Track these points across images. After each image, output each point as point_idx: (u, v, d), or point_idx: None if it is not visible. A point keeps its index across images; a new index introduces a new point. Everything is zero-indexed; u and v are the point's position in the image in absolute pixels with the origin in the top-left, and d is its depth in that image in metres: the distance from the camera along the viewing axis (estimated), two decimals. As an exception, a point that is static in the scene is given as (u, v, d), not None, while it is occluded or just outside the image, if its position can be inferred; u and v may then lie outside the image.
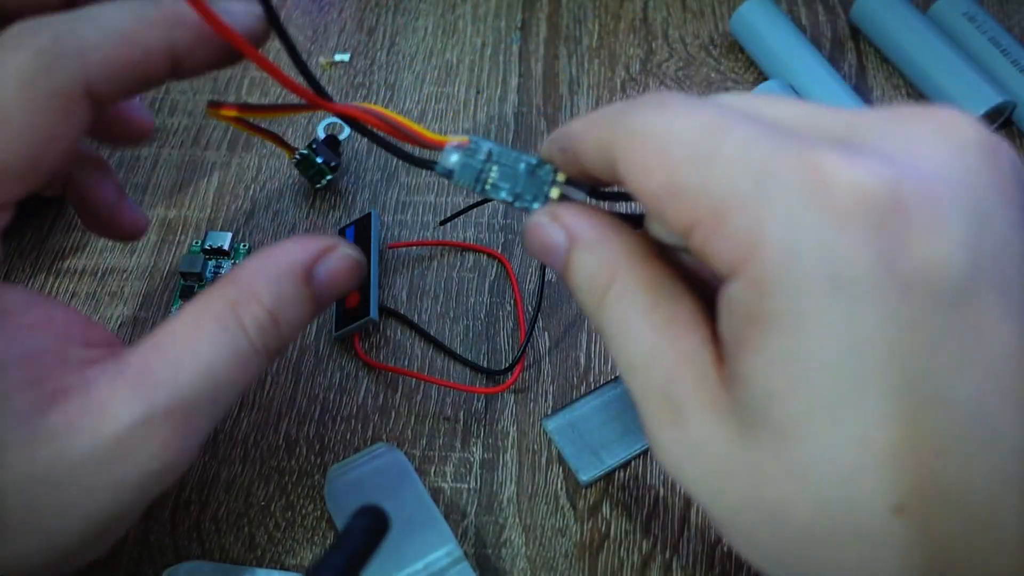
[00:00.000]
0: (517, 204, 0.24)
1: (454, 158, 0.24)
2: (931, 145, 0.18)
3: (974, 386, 0.16)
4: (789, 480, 0.17)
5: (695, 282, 0.21)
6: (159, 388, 0.21)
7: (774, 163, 0.17)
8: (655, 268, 0.21)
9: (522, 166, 0.24)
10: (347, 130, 0.42)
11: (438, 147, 0.24)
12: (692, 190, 0.18)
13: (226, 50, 0.23)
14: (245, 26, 0.23)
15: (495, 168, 0.24)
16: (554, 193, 0.23)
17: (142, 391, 0.21)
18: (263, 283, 0.23)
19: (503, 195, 0.24)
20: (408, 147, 0.25)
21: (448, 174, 0.24)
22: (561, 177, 0.23)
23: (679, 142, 0.18)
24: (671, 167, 0.18)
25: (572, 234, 0.22)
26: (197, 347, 0.22)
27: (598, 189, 0.24)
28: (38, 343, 0.21)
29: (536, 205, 0.24)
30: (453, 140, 0.24)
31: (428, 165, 0.25)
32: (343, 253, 0.24)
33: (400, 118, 0.24)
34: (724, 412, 0.19)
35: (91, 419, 0.21)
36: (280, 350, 0.24)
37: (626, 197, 0.25)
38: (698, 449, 0.19)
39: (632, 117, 0.20)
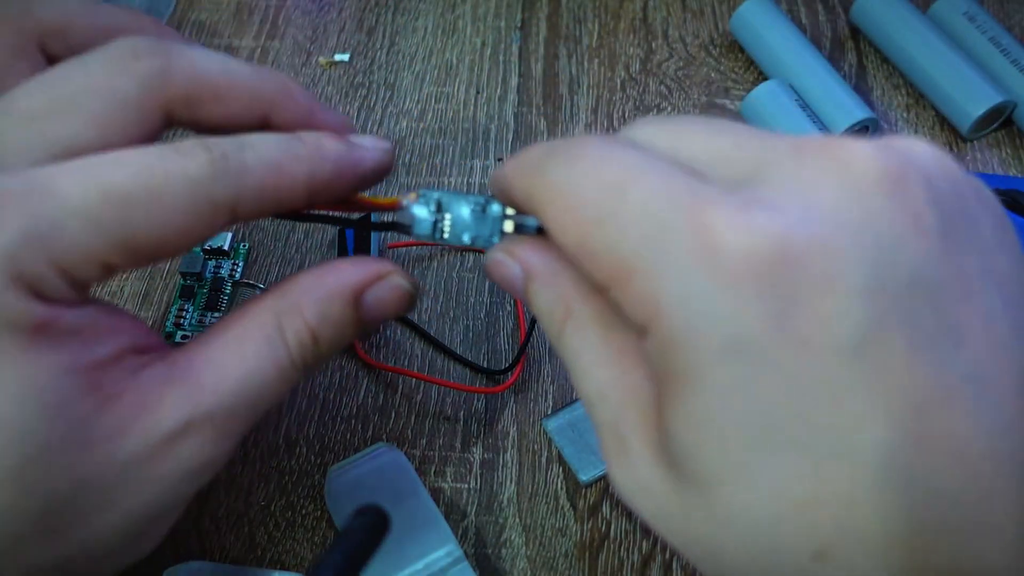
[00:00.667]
0: (480, 244, 0.24)
1: (412, 212, 0.24)
2: (829, 187, 0.17)
3: (884, 432, 0.16)
4: (718, 527, 0.18)
5: None
6: (204, 392, 0.22)
7: (669, 223, 0.18)
8: (606, 300, 0.21)
9: (466, 211, 0.24)
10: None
11: (394, 208, 0.25)
12: (600, 251, 0.19)
13: (357, 186, 0.25)
14: (376, 161, 0.25)
15: (447, 217, 0.24)
16: (508, 227, 0.24)
17: (188, 394, 0.22)
18: (311, 300, 0.23)
19: (465, 240, 0.24)
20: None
21: (408, 230, 0.24)
22: (511, 211, 0.24)
23: (585, 202, 0.19)
24: (580, 228, 0.19)
25: (527, 268, 0.22)
26: (242, 355, 0.23)
27: None
28: (104, 350, 0.22)
29: (495, 240, 0.24)
30: (403, 199, 0.24)
31: (395, 227, 0.25)
32: (396, 283, 0.24)
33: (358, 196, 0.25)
34: (660, 454, 0.19)
35: (141, 421, 0.21)
36: (316, 368, 0.24)
37: None
38: (643, 486, 0.19)
39: (548, 171, 0.20)
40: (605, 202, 0.19)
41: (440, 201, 0.24)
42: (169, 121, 0.23)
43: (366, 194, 0.25)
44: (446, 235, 0.24)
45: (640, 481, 0.20)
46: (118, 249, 0.21)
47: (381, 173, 0.25)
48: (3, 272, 0.19)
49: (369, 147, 0.25)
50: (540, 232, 0.23)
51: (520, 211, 0.23)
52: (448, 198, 0.24)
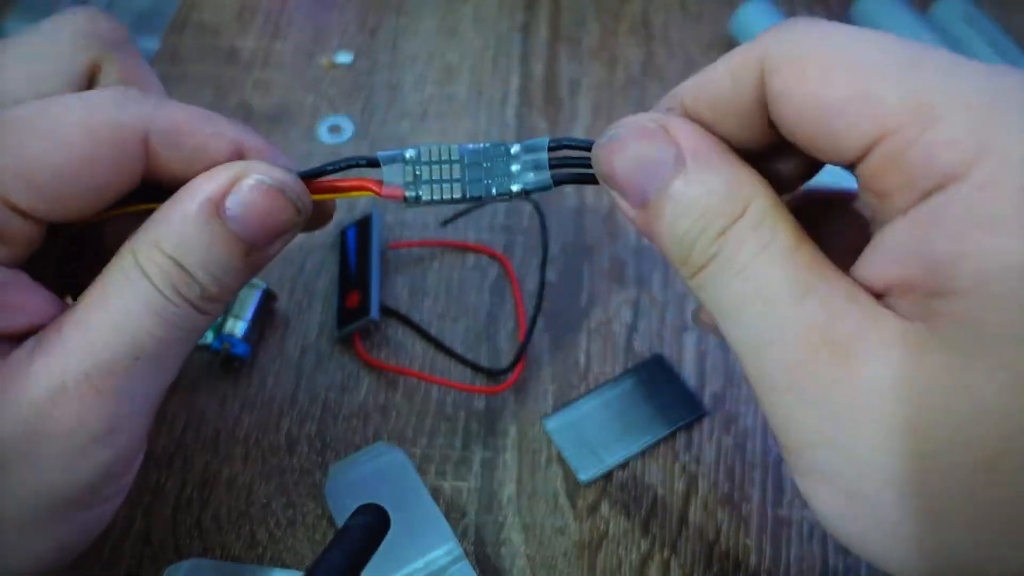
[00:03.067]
0: (495, 190, 0.23)
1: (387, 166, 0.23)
2: None
3: None
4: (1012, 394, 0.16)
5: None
6: (71, 353, 0.20)
7: (999, 70, 0.17)
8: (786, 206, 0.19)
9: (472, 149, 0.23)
10: (348, 132, 0.42)
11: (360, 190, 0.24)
12: (891, 96, 0.17)
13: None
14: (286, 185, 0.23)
15: (425, 167, 0.23)
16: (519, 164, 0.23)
17: (55, 359, 0.20)
18: (163, 226, 0.21)
19: (459, 191, 0.23)
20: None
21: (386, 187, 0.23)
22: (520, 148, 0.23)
23: (878, 47, 0.18)
24: (865, 73, 0.17)
25: (686, 150, 0.19)
26: (105, 306, 0.21)
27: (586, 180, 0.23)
28: (3, 322, 0.21)
29: (494, 191, 0.23)
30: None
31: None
32: (254, 180, 0.21)
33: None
34: (909, 343, 0.17)
35: (6, 396, 0.20)
36: (209, 297, 0.22)
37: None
38: (872, 385, 0.17)
39: (794, 36, 0.19)
40: (906, 51, 0.17)
41: (419, 152, 0.23)
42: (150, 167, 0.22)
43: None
44: (425, 185, 0.23)
45: (868, 380, 0.17)
46: (19, 179, 0.20)
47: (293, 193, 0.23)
48: None
49: (284, 170, 0.23)
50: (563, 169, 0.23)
51: (701, 112, 0.21)
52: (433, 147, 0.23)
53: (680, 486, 0.32)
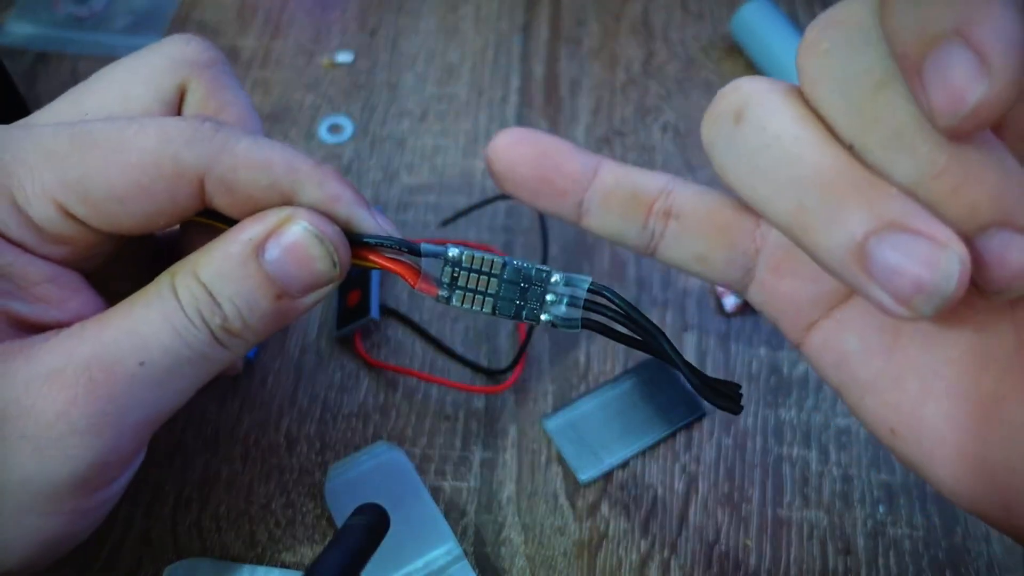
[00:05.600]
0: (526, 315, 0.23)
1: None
2: None
3: None
4: None
5: None
6: (81, 344, 0.21)
7: None
8: None
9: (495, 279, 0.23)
10: (347, 132, 0.42)
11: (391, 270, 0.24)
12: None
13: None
14: (368, 227, 0.24)
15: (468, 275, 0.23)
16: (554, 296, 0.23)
17: (64, 344, 0.21)
18: (204, 256, 0.22)
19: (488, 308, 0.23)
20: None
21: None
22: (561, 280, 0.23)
23: None
24: None
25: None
26: (129, 310, 0.22)
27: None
28: (26, 309, 0.22)
29: (524, 315, 0.23)
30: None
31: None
32: (299, 227, 0.22)
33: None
34: None
35: (7, 364, 0.20)
36: (229, 330, 0.22)
37: None
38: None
39: None
40: None
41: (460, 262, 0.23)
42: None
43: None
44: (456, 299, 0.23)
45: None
46: (71, 190, 0.21)
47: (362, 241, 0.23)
48: None
49: (372, 218, 0.23)
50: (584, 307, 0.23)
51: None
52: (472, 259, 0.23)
53: (680, 486, 0.32)
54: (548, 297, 0.23)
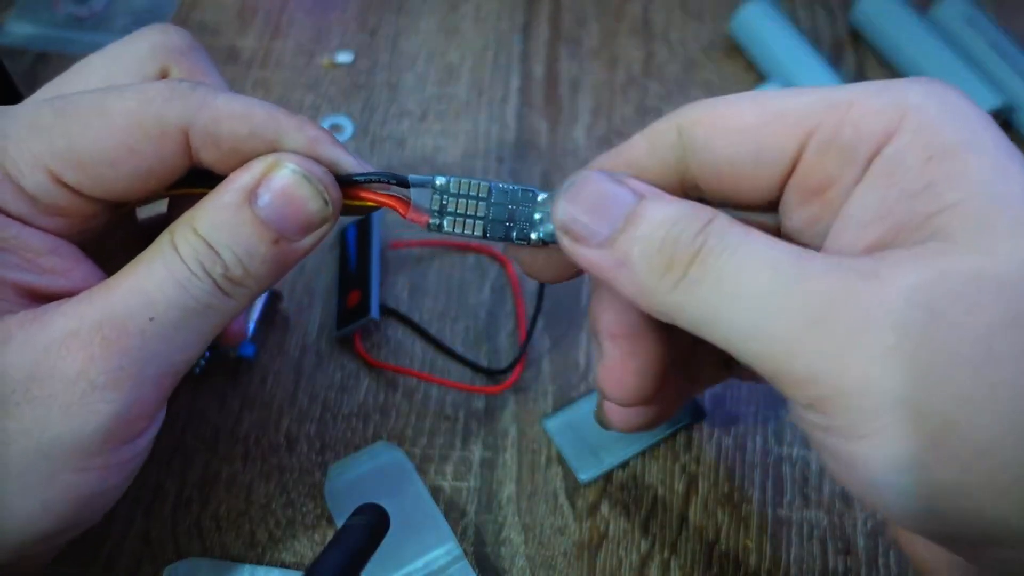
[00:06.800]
0: (515, 233, 0.24)
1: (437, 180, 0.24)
2: None
3: None
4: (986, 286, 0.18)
5: None
6: (91, 306, 0.22)
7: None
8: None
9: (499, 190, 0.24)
10: (348, 132, 0.42)
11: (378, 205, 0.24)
12: (802, 104, 0.20)
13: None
14: (349, 167, 0.24)
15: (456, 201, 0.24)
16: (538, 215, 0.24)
17: (75, 308, 0.22)
18: (199, 211, 0.23)
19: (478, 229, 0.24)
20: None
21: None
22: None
23: (774, 91, 0.22)
24: (772, 103, 0.21)
25: (644, 190, 0.21)
26: (134, 271, 0.22)
27: None
28: (31, 278, 0.22)
29: (514, 235, 0.24)
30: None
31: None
32: (287, 171, 0.22)
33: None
34: (926, 254, 0.18)
35: (23, 333, 0.21)
36: (232, 279, 0.23)
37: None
38: (917, 292, 0.18)
39: (701, 103, 0.22)
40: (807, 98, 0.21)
41: (451, 182, 0.24)
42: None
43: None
44: (456, 218, 0.24)
45: (896, 291, 0.18)
46: (62, 158, 0.22)
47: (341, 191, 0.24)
48: None
49: (350, 157, 0.24)
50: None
51: (641, 163, 0.23)
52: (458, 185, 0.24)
53: (680, 486, 0.32)
54: (536, 215, 0.24)
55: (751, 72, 0.45)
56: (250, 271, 0.23)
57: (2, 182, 0.22)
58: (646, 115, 0.43)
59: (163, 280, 0.22)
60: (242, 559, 0.30)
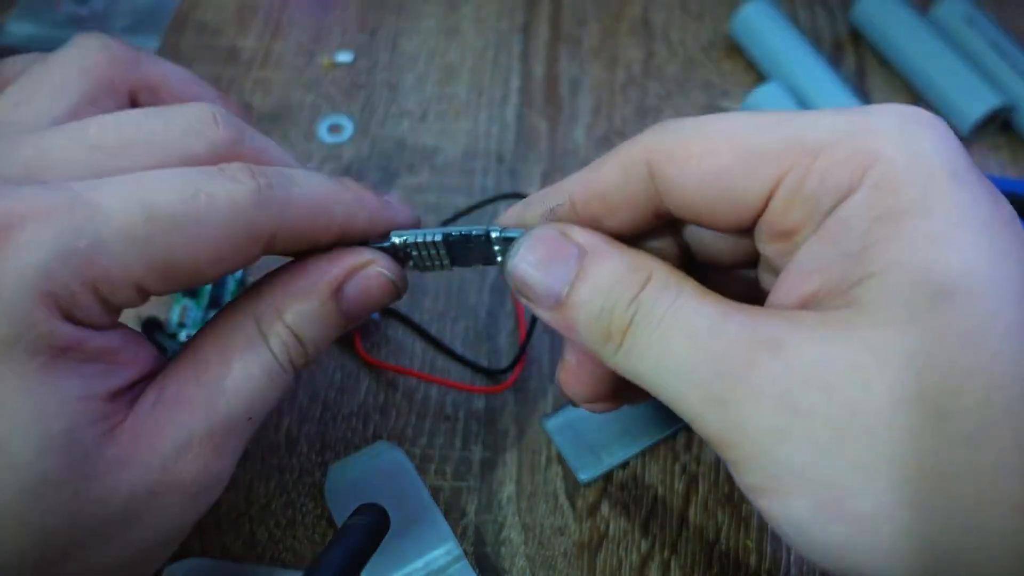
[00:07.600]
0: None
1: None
2: None
3: None
4: (967, 340, 0.18)
5: None
6: (196, 413, 0.22)
7: (850, 110, 0.21)
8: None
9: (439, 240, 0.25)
10: (348, 132, 0.42)
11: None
12: (774, 146, 0.20)
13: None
14: (406, 220, 0.26)
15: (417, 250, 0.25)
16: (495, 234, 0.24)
17: (180, 417, 0.22)
18: (287, 300, 0.23)
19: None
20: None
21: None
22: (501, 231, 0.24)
23: (744, 120, 0.21)
24: (744, 138, 0.21)
25: (588, 245, 0.22)
26: (228, 367, 0.22)
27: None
28: (119, 380, 0.22)
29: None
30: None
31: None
32: (375, 272, 0.24)
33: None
34: (834, 324, 0.19)
35: (140, 451, 0.21)
36: (307, 364, 0.24)
37: None
38: (815, 367, 0.19)
39: (671, 131, 0.22)
40: (766, 119, 0.21)
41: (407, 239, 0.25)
42: None
43: None
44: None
45: (810, 362, 0.19)
46: (156, 272, 0.21)
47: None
48: (34, 288, 0.19)
49: (400, 209, 0.25)
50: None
51: (588, 203, 0.23)
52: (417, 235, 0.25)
53: (680, 486, 0.32)
54: (495, 248, 0.25)
55: (751, 72, 0.45)
56: (319, 354, 0.24)
57: (88, 295, 0.20)
58: (646, 115, 0.43)
59: (259, 379, 0.23)
60: (242, 559, 0.30)
